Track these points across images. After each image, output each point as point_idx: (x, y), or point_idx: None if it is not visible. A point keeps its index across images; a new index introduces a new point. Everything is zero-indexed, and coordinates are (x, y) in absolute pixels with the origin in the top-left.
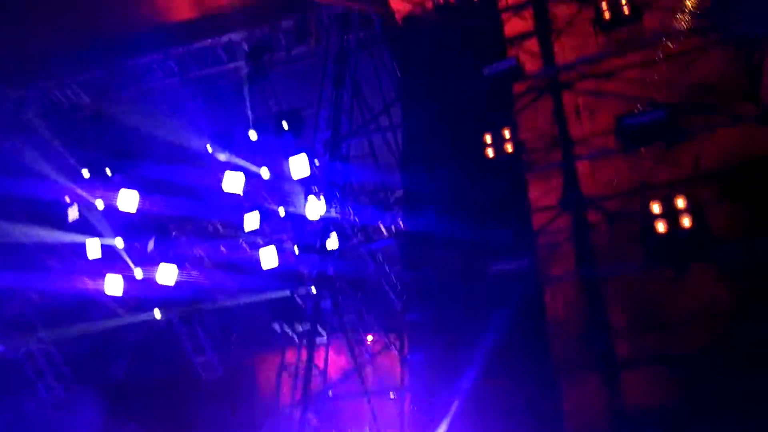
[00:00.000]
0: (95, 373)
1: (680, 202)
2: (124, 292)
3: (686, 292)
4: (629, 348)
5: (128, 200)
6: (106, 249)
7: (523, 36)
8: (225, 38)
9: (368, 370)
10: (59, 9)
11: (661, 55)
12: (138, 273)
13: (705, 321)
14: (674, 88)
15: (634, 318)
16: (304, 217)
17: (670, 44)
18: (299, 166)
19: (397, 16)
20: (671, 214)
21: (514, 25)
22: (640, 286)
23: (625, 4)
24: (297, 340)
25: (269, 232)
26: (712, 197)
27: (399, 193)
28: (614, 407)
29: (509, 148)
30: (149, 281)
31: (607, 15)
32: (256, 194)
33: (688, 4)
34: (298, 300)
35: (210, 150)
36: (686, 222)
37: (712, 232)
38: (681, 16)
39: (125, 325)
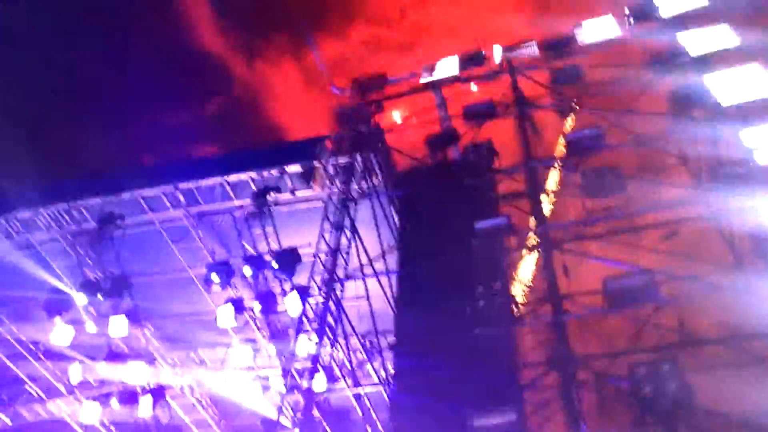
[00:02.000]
0: None
1: (666, 367)
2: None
3: None
4: None
5: (119, 326)
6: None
7: (515, 195)
8: (234, 176)
9: None
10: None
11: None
12: (114, 403)
13: None
14: (658, 254)
15: None
16: (293, 355)
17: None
18: (293, 304)
19: (398, 169)
20: (657, 378)
21: (507, 185)
22: None
23: (609, 174)
24: None
25: (257, 367)
26: (698, 364)
27: (391, 338)
28: None
29: (498, 301)
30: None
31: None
32: (247, 328)
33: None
34: None
35: (213, 280)
36: (672, 387)
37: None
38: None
39: None
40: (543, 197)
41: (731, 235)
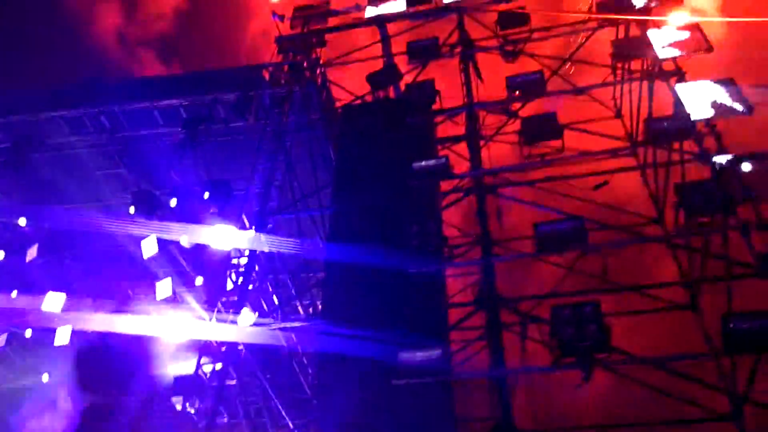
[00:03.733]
0: None
1: (587, 310)
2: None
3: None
4: None
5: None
6: None
7: (454, 139)
8: (164, 102)
9: None
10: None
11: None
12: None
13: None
14: (588, 204)
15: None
16: (221, 288)
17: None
18: (222, 236)
19: (337, 104)
20: (578, 320)
21: (446, 127)
22: (547, 388)
23: (549, 121)
24: (196, 419)
25: (182, 300)
26: (617, 309)
27: (321, 275)
28: None
29: (431, 241)
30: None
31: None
32: (173, 261)
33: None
34: (203, 376)
35: (132, 211)
36: (592, 329)
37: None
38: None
39: None
40: (481, 141)
41: (657, 188)
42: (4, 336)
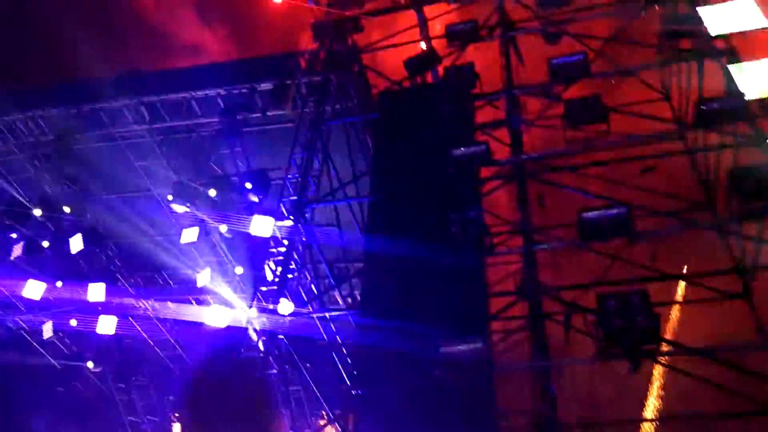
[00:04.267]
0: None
1: (635, 300)
2: (59, 339)
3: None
4: None
5: (77, 243)
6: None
7: (495, 124)
8: (201, 92)
9: None
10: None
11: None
12: (73, 322)
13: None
14: (634, 190)
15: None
16: (260, 278)
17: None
18: (262, 226)
19: (374, 91)
20: (626, 310)
21: (486, 112)
22: (592, 380)
23: (593, 104)
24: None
25: (223, 290)
26: (666, 299)
27: (359, 265)
28: None
29: (472, 230)
30: (87, 330)
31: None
32: (213, 250)
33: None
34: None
35: (170, 200)
36: (640, 320)
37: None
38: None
39: (54, 373)
40: (522, 126)
41: (707, 173)
42: (50, 324)
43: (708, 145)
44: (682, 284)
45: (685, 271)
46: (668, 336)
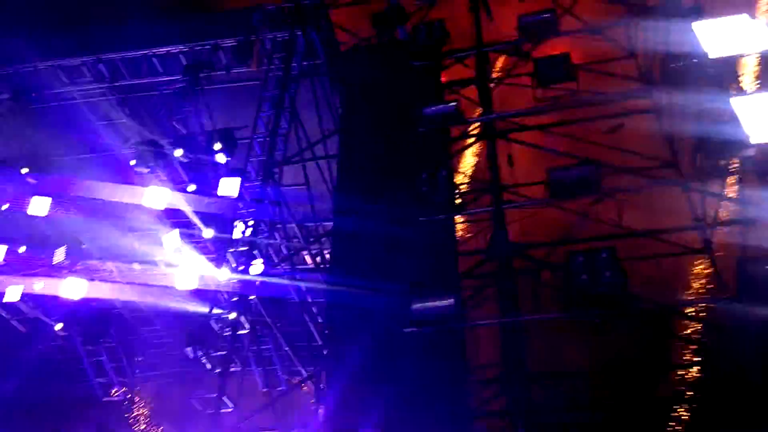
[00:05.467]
0: None
1: (603, 255)
2: (23, 301)
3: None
4: (544, 394)
5: (40, 205)
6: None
7: (464, 82)
8: (163, 49)
9: (283, 403)
10: None
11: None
12: (38, 284)
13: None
14: (602, 148)
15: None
16: (229, 239)
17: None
18: (230, 187)
19: (342, 48)
20: (593, 267)
21: (455, 71)
22: (559, 335)
23: (562, 62)
24: (210, 368)
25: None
26: (632, 255)
27: (329, 225)
28: None
29: (442, 188)
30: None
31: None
32: (178, 212)
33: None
34: (214, 326)
35: (132, 163)
36: (607, 275)
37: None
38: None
39: (21, 337)
40: (491, 84)
41: (672, 132)
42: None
43: (673, 104)
44: None
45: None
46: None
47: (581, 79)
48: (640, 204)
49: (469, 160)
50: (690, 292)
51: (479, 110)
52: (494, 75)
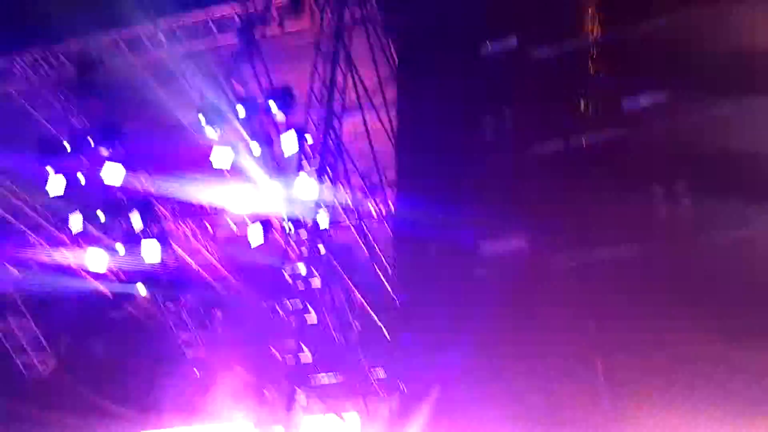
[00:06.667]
0: (79, 350)
1: (680, 186)
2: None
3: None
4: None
5: (113, 174)
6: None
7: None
8: (217, 12)
9: (357, 348)
10: None
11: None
12: (120, 249)
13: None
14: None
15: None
16: (294, 195)
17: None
18: (290, 143)
19: None
20: (672, 198)
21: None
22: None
23: None
24: (286, 319)
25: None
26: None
27: (392, 174)
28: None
29: (508, 128)
30: (131, 258)
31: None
32: (244, 171)
33: None
34: (288, 278)
35: (201, 124)
36: (686, 204)
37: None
38: None
39: (107, 301)
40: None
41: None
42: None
43: None
44: None
45: None
46: None
47: None
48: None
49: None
50: None
51: None
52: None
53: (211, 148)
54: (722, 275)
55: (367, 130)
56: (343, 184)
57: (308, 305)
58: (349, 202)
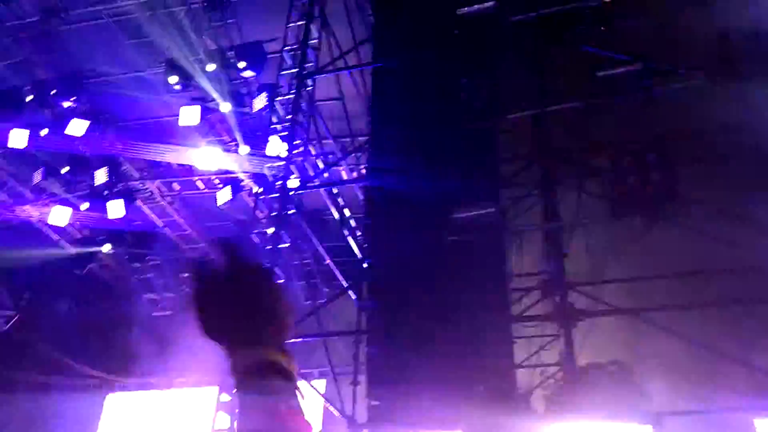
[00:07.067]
0: (42, 308)
1: (651, 159)
2: (70, 224)
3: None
4: (587, 302)
5: (77, 128)
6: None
7: None
8: None
9: (324, 313)
10: None
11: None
12: (83, 205)
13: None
14: (654, 46)
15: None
16: (264, 155)
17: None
18: (261, 103)
19: None
20: (641, 170)
21: None
22: (604, 240)
23: None
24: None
25: (226, 170)
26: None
27: (365, 138)
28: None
29: (482, 94)
30: (95, 215)
31: None
32: (213, 129)
33: None
34: (256, 240)
35: (170, 81)
36: (655, 178)
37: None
38: None
39: (71, 259)
40: None
41: (727, 33)
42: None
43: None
44: None
45: None
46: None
47: None
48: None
49: (510, 64)
50: None
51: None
52: None
53: (179, 104)
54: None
55: (340, 92)
56: (314, 146)
57: (275, 268)
58: (320, 164)
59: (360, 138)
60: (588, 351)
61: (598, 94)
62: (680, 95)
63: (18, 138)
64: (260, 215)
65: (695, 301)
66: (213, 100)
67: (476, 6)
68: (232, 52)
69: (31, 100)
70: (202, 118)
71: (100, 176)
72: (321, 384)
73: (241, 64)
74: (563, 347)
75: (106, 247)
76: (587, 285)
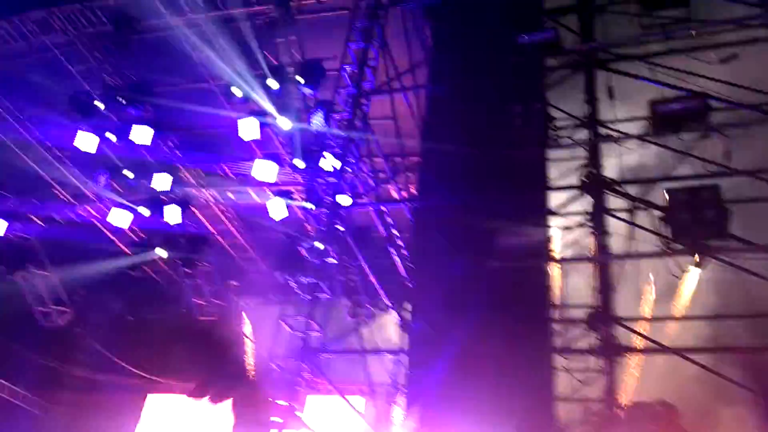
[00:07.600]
0: (95, 306)
1: (705, 194)
2: (129, 228)
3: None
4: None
5: (142, 134)
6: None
7: (564, 10)
8: None
9: (366, 330)
10: None
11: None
12: (143, 210)
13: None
14: (712, 81)
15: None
16: (318, 171)
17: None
18: (318, 119)
19: None
20: (695, 204)
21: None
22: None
23: None
24: (300, 293)
25: (280, 182)
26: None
27: (416, 158)
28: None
29: (536, 121)
30: (154, 219)
31: None
32: (271, 143)
33: None
34: (304, 254)
35: (234, 93)
36: (710, 214)
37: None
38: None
39: (126, 260)
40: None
41: None
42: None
43: None
44: None
45: None
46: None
47: (693, 5)
48: (750, 142)
49: (566, 93)
50: None
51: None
52: (597, 2)
53: (240, 116)
54: None
55: (393, 112)
56: (365, 163)
57: (321, 283)
58: (371, 183)
59: (411, 158)
60: (637, 387)
61: (657, 127)
62: (738, 131)
63: (86, 141)
64: (310, 229)
65: (743, 343)
66: (271, 114)
67: (535, 35)
68: (293, 69)
69: (100, 105)
70: (260, 131)
71: (161, 182)
72: (359, 401)
73: (301, 81)
74: (606, 382)
75: (161, 251)
76: (635, 320)
